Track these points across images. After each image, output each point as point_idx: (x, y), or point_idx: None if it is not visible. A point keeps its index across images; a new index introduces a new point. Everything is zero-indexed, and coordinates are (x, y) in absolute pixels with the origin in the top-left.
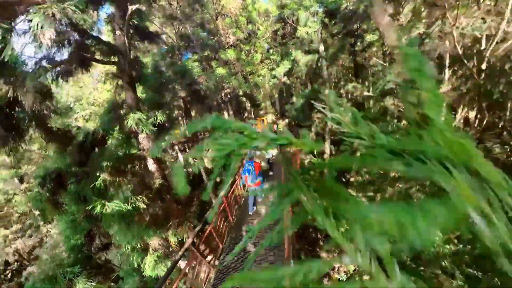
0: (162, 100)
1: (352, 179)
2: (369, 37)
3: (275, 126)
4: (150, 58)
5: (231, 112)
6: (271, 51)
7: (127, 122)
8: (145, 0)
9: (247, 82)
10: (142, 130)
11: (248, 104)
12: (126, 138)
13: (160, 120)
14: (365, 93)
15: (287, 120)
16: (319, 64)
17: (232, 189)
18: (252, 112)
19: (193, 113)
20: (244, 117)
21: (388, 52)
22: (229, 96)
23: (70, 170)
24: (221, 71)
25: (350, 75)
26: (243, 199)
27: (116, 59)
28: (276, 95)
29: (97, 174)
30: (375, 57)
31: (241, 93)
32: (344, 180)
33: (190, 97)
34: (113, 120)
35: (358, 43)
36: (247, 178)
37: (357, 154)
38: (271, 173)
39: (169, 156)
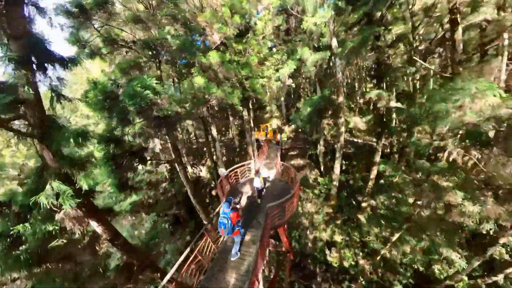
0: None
1: (364, 204)
2: (397, 29)
3: (278, 136)
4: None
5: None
6: (274, 49)
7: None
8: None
9: (243, 87)
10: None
11: (245, 113)
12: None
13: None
14: (392, 103)
15: (293, 126)
16: (331, 64)
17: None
18: (252, 121)
19: (158, 143)
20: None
21: (420, 49)
22: (216, 108)
23: None
24: (199, 81)
25: (370, 78)
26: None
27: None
28: (282, 98)
29: None
30: (403, 54)
31: (236, 101)
32: (355, 202)
33: (148, 126)
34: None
35: (383, 37)
36: (222, 231)
37: None
38: (258, 200)
39: None
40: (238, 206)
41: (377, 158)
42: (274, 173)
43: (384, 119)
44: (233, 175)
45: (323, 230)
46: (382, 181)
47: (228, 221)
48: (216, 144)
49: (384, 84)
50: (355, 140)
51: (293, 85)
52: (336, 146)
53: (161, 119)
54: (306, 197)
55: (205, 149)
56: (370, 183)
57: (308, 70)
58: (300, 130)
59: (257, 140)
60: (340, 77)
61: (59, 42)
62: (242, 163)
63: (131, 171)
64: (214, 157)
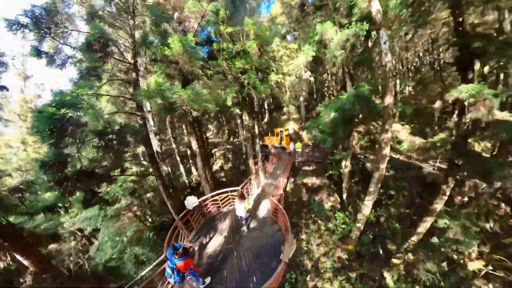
0: None
1: (396, 260)
2: None
3: (291, 145)
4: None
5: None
6: (288, 37)
7: None
8: None
9: (240, 84)
10: None
11: (245, 117)
12: None
13: None
14: (500, 114)
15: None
16: (369, 43)
17: None
18: (256, 126)
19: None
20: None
21: None
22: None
23: None
24: (182, 94)
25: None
26: None
27: None
28: (302, 98)
29: None
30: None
31: (228, 102)
32: (382, 252)
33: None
34: None
35: None
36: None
37: None
38: (244, 229)
39: None
40: (195, 248)
41: (439, 205)
42: (268, 206)
43: (466, 141)
44: (210, 204)
45: (328, 281)
46: (435, 239)
47: (173, 272)
48: (197, 159)
49: (475, 75)
50: (395, 156)
51: (312, 78)
52: (373, 174)
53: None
54: (316, 228)
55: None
56: (415, 238)
57: (332, 56)
58: (317, 143)
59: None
60: (388, 63)
61: None
62: (226, 190)
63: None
64: (196, 172)
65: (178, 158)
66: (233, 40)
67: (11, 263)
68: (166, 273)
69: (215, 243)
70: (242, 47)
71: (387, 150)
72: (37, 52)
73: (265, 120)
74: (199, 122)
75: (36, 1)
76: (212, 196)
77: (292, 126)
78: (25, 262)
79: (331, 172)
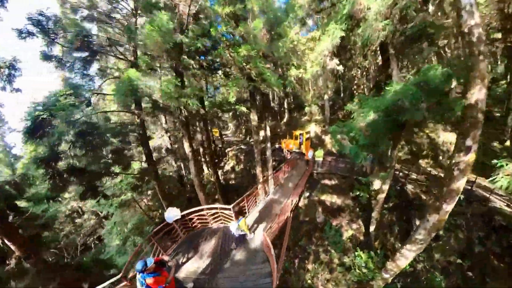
0: None
1: None
2: None
3: (309, 153)
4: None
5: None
6: (309, 21)
7: None
8: None
9: (247, 76)
10: None
11: (253, 116)
12: None
13: None
14: None
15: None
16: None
17: None
18: (268, 127)
19: None
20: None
21: None
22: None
23: None
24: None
25: None
26: None
27: None
28: (326, 96)
29: None
30: None
31: (230, 98)
32: None
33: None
34: None
35: None
36: None
37: None
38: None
39: None
40: (171, 263)
41: None
42: (260, 233)
43: None
44: (195, 218)
45: None
46: None
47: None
48: (190, 164)
49: None
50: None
51: (341, 67)
52: (427, 216)
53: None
54: (328, 260)
55: (202, 159)
56: None
57: (371, 33)
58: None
59: (279, 149)
60: (475, 29)
61: None
62: (215, 206)
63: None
64: (207, 171)
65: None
66: (237, 22)
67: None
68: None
69: (190, 266)
70: (245, 30)
71: (461, 183)
72: (46, 57)
73: (284, 120)
74: (205, 120)
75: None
76: (198, 211)
77: (313, 129)
78: (12, 247)
79: (358, 193)
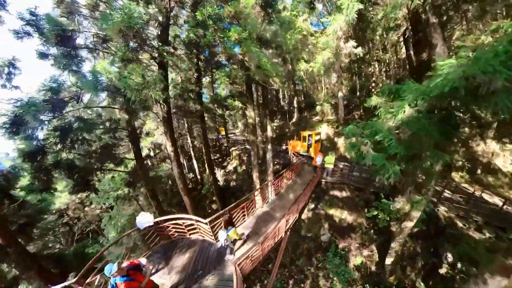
0: None
1: None
2: None
3: (318, 158)
4: None
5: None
6: (319, 4)
7: None
8: None
9: (242, 66)
10: None
11: (251, 112)
12: None
13: None
14: None
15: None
16: None
17: None
18: (269, 125)
19: None
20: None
21: None
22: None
23: None
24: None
25: None
26: None
27: None
28: (340, 93)
29: None
30: None
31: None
32: None
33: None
34: None
35: None
36: None
37: None
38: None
39: None
40: (147, 268)
41: None
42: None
43: None
44: (171, 227)
45: None
46: None
47: None
48: (173, 165)
49: None
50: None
51: (359, 50)
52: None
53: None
54: None
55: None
56: None
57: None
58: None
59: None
60: None
61: None
62: (190, 217)
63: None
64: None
65: (192, 154)
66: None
67: None
68: None
69: (156, 280)
70: (235, 10)
71: None
72: (42, 55)
73: (293, 120)
74: (202, 117)
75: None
76: (173, 219)
77: (325, 130)
78: None
79: (376, 213)
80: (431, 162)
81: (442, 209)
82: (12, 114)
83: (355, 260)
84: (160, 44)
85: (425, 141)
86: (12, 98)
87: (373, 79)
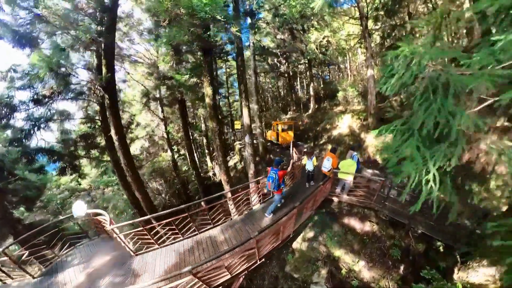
0: None
1: None
2: None
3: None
4: None
5: None
6: None
7: None
8: None
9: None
10: None
11: (208, 91)
12: None
13: None
14: None
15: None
16: None
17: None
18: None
19: None
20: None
21: None
22: None
23: None
24: None
25: None
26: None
27: None
28: (370, 71)
29: None
30: None
31: None
32: None
33: None
34: None
35: None
36: (269, 185)
37: None
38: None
39: None
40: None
41: None
42: None
43: None
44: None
45: None
46: None
47: (275, 175)
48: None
49: None
50: None
51: None
52: None
53: None
54: None
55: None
56: None
57: None
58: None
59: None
60: None
61: None
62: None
63: None
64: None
65: (192, 146)
66: None
67: None
68: (268, 179)
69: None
70: None
71: None
72: None
73: (309, 111)
74: (184, 104)
75: None
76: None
77: (347, 122)
78: None
79: (429, 277)
80: None
81: None
82: None
83: None
84: None
85: None
86: None
87: None
